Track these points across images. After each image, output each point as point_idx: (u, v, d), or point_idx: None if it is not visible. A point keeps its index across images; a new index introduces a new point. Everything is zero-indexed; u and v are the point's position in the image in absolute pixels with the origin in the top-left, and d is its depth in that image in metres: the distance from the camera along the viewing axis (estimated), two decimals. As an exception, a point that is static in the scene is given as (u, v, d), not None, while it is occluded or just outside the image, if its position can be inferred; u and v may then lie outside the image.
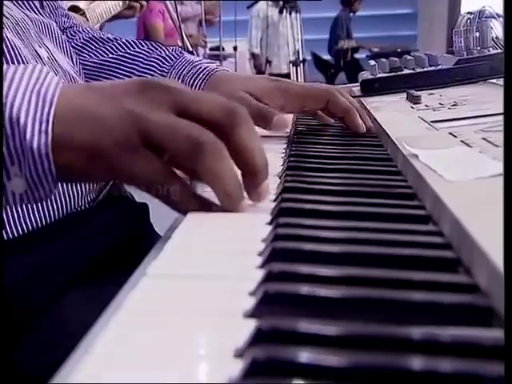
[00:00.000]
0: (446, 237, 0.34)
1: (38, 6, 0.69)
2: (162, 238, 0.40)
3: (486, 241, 0.29)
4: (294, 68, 4.01)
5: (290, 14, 4.03)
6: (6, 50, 0.56)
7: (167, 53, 0.77)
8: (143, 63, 0.76)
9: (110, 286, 0.32)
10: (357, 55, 5.82)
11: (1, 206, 0.38)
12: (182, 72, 0.73)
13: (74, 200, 0.58)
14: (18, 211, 0.53)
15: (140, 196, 0.71)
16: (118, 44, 0.79)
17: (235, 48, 4.52)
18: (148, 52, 0.77)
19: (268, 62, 4.58)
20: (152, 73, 0.75)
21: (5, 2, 0.62)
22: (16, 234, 0.53)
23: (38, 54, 0.61)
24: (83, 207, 0.60)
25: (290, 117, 0.74)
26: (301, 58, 4.02)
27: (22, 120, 0.36)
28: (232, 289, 0.29)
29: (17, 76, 0.37)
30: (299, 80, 3.99)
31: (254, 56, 4.82)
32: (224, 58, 4.27)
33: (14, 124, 0.36)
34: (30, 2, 0.67)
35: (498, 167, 0.41)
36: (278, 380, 0.20)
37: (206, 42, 3.77)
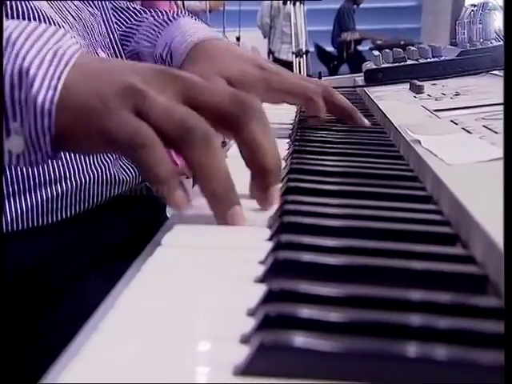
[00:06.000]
0: (445, 215, 0.36)
1: None
2: (170, 219, 0.41)
3: (482, 217, 0.30)
4: (297, 59, 4.00)
5: (294, 4, 4.02)
6: None
7: (161, 19, 0.74)
8: (140, 32, 0.75)
9: (126, 269, 0.33)
10: (360, 47, 5.82)
11: (1, 204, 0.37)
12: (169, 40, 0.70)
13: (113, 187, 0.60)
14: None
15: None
16: (133, 12, 0.78)
17: (238, 38, 4.52)
18: (146, 19, 0.76)
19: (271, 52, 4.59)
20: (145, 38, 0.74)
21: (75, 3, 0.63)
22: (50, 220, 0.55)
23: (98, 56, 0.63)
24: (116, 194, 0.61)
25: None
26: (304, 50, 4.01)
27: (31, 72, 0.35)
28: (243, 258, 0.30)
29: (37, 31, 0.37)
30: (302, 71, 3.99)
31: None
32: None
33: (23, 75, 0.35)
34: None
35: (497, 152, 0.42)
36: (286, 333, 0.21)
37: (209, 32, 3.79)
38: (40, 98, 0.35)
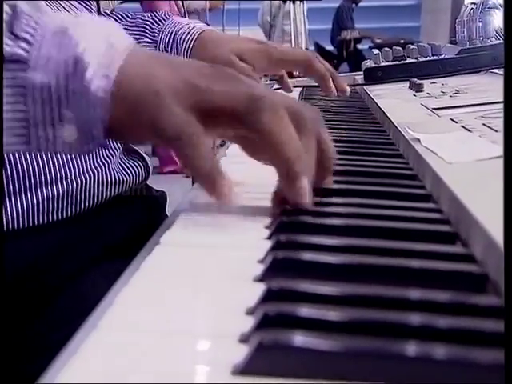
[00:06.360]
0: (445, 213, 0.36)
1: None
2: (169, 218, 0.41)
3: (482, 216, 0.30)
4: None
5: (294, 3, 4.01)
6: None
7: (157, 16, 0.78)
8: (136, 28, 0.77)
9: (125, 268, 0.33)
10: (359, 46, 5.82)
11: (0, 202, 0.37)
12: (172, 32, 0.75)
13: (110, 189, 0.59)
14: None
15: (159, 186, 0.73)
16: (116, 17, 0.80)
17: (238, 37, 4.51)
18: (140, 18, 0.79)
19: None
20: (144, 34, 0.76)
21: (72, 2, 0.63)
22: (51, 219, 0.55)
23: None
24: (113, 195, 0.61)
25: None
26: (304, 48, 4.01)
27: (86, 59, 0.35)
28: (242, 257, 0.30)
29: (92, 23, 0.37)
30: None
31: None
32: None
33: (78, 62, 0.35)
34: None
35: (497, 150, 0.42)
36: (285, 332, 0.21)
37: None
38: (93, 87, 0.35)
